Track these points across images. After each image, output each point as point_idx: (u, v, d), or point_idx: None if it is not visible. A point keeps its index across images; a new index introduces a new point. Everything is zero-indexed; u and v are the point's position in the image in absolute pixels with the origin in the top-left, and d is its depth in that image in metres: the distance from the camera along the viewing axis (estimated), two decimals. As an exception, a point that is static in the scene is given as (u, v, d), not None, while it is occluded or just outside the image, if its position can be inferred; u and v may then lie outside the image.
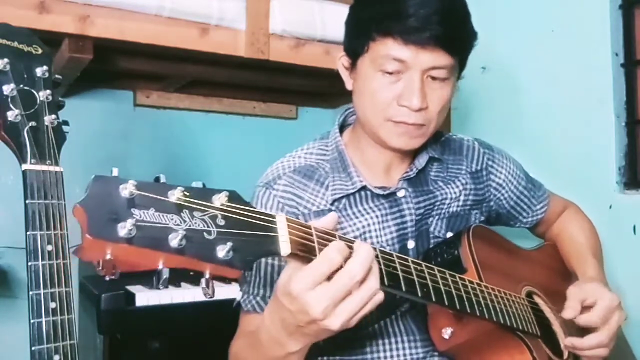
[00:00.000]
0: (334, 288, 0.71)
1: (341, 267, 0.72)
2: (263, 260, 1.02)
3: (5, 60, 0.87)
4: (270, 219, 0.69)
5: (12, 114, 0.87)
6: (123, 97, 2.35)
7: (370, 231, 1.07)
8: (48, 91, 0.91)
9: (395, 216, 1.08)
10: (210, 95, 2.49)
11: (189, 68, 2.06)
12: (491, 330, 0.96)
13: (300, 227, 0.72)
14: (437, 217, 1.12)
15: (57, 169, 0.88)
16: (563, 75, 1.83)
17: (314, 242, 0.73)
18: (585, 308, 1.03)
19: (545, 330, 1.06)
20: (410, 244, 1.08)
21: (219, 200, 0.64)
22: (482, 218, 1.19)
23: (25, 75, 0.89)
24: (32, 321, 0.83)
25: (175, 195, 0.61)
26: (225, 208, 0.64)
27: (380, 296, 0.75)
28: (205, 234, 0.62)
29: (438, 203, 1.12)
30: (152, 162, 2.32)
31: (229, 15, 1.76)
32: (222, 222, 0.63)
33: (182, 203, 0.61)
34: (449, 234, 1.11)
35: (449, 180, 1.15)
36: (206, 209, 0.63)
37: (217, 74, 2.15)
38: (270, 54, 1.82)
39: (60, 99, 0.94)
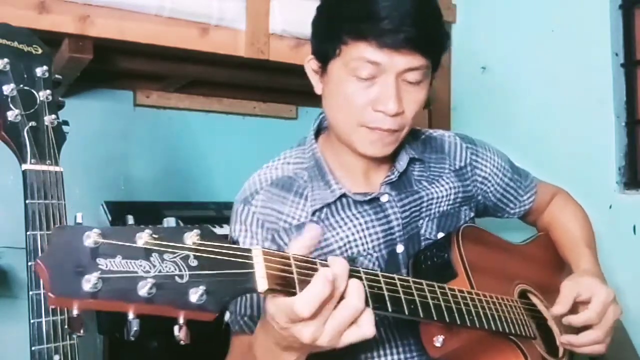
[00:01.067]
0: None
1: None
2: None
3: (5, 60, 0.87)
4: (246, 253, 0.66)
5: (12, 114, 0.87)
6: (123, 97, 2.34)
7: (355, 240, 1.05)
8: (48, 91, 0.91)
9: (382, 222, 1.06)
10: (210, 95, 2.48)
11: (189, 68, 2.06)
12: (484, 336, 0.94)
13: (278, 258, 0.68)
14: (427, 219, 1.10)
15: (57, 169, 0.89)
16: (563, 75, 1.83)
17: (292, 274, 0.69)
18: (579, 303, 1.02)
19: (541, 329, 1.06)
20: (400, 248, 1.06)
21: (191, 238, 0.61)
22: (472, 214, 1.17)
23: (25, 75, 0.89)
24: (32, 321, 0.83)
25: (143, 239, 0.58)
26: (197, 247, 0.61)
27: (369, 329, 0.72)
28: (176, 278, 0.59)
29: (425, 203, 1.10)
30: (152, 162, 2.31)
31: (229, 15, 1.76)
32: (194, 263, 0.60)
33: (151, 247, 0.58)
34: (440, 235, 1.09)
35: (433, 180, 1.13)
36: (177, 250, 0.60)
37: (217, 74, 2.14)
38: (270, 54, 1.82)
39: (60, 99, 0.94)
